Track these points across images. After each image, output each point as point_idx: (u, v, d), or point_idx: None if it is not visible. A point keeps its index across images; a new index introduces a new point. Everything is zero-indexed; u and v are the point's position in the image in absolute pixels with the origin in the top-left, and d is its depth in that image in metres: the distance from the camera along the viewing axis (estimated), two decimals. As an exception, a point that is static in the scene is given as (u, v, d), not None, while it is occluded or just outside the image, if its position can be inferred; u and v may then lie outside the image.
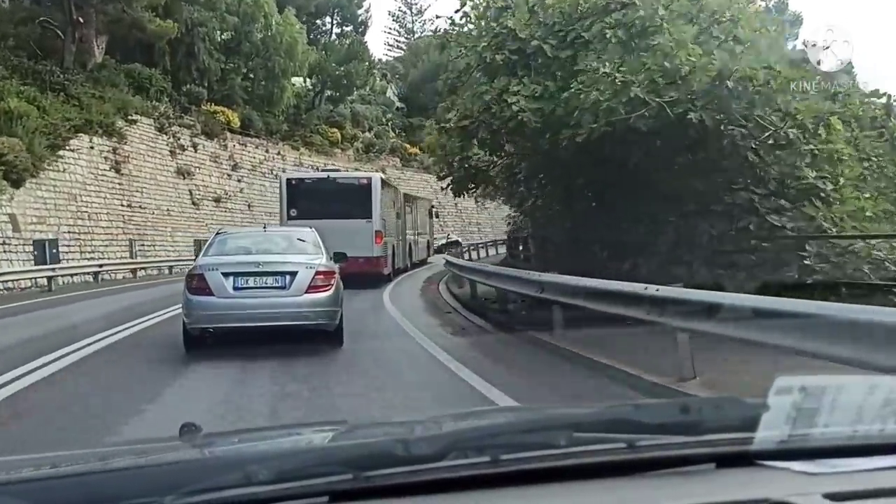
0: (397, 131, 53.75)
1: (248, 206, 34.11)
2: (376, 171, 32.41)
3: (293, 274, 7.55)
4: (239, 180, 34.02)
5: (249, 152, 35.12)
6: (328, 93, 45.06)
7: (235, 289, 7.45)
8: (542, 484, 1.01)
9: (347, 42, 47.65)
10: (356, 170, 37.80)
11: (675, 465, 1.05)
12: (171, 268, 26.19)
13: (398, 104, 59.26)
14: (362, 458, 1.04)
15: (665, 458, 1.06)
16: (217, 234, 9.00)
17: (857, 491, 0.98)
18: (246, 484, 0.97)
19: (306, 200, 16.17)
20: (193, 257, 27.71)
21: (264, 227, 9.91)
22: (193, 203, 30.78)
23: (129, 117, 27.37)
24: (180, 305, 7.83)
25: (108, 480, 1.07)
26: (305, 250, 8.21)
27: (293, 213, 16.04)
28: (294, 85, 40.74)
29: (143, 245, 26.78)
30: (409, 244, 23.31)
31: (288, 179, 17.76)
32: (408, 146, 51.73)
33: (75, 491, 1.01)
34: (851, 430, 1.10)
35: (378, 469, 0.99)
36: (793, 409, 1.11)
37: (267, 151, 36.39)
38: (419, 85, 60.30)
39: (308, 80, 43.94)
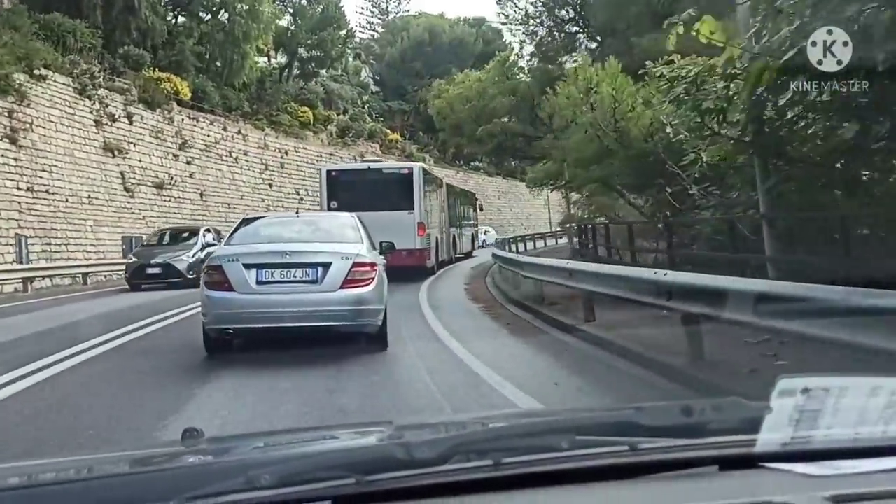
0: (374, 116, 54.56)
1: (201, 194, 32.78)
2: (354, 157, 33.17)
3: (326, 265, 7.51)
4: (188, 162, 32.31)
5: (203, 129, 33.87)
6: (297, 71, 45.17)
7: (259, 283, 7.44)
8: (544, 487, 1.19)
9: (320, 7, 47.67)
10: (332, 156, 38.54)
11: (678, 468, 1.24)
12: (85, 275, 23.14)
13: (374, 87, 60.39)
14: (365, 462, 1.23)
15: (668, 460, 1.25)
16: (243, 220, 9.28)
17: (861, 493, 1.16)
18: (248, 489, 1.15)
19: (347, 192, 18.15)
20: (122, 259, 24.84)
21: (297, 212, 10.42)
22: (126, 189, 27.98)
23: (36, 72, 23.92)
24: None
25: (109, 486, 1.26)
26: (343, 238, 8.23)
27: (333, 205, 17.87)
28: (258, 63, 40.53)
29: (49, 244, 23.60)
30: (454, 236, 26.10)
31: (328, 171, 19.93)
32: (388, 131, 52.50)
33: (78, 497, 1.20)
34: (854, 432, 1.29)
35: (381, 473, 1.18)
36: (796, 411, 1.31)
37: (225, 129, 35.54)
38: (397, 65, 61.53)
39: (274, 52, 43.89)
